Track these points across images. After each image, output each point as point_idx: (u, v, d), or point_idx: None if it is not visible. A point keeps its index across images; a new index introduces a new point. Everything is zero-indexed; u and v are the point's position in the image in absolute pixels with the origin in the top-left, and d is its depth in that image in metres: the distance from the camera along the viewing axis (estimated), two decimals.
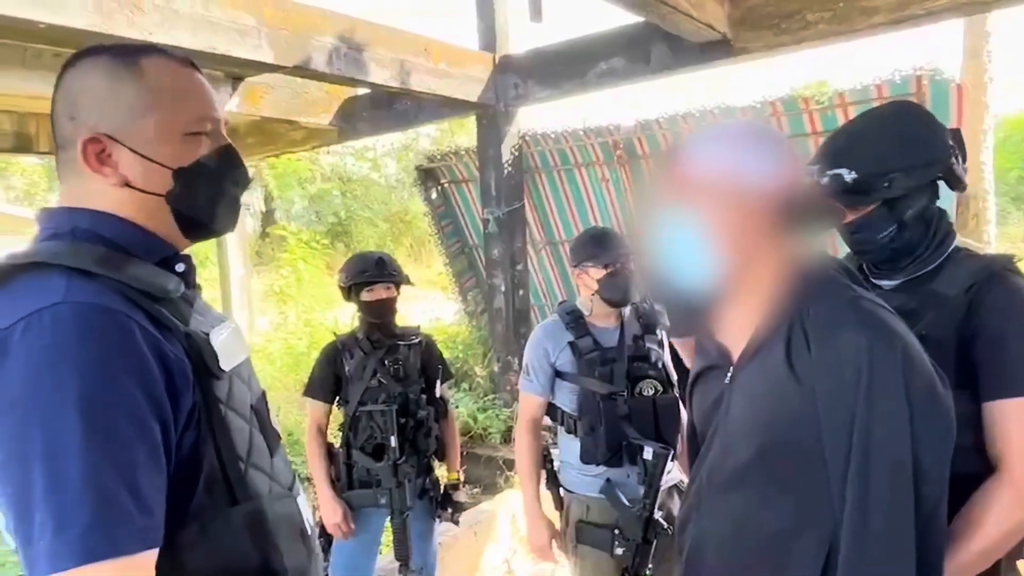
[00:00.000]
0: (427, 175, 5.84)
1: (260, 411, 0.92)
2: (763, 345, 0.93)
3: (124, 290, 0.78)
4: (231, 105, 4.59)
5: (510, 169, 4.63)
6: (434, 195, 5.86)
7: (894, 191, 1.17)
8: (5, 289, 0.76)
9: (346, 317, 5.75)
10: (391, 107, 4.88)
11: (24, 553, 0.70)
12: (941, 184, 1.22)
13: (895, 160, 1.17)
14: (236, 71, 4.37)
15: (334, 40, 3.64)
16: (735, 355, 0.98)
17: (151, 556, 0.72)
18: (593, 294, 1.97)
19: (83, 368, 0.71)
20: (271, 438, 0.93)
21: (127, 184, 0.85)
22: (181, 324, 0.83)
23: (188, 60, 0.91)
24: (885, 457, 0.83)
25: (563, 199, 5.27)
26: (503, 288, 4.70)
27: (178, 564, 0.75)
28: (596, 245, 1.99)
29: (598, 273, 1.95)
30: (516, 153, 4.66)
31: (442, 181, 5.83)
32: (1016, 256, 1.24)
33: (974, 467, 1.09)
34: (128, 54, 0.87)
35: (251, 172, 0.98)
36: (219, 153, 0.90)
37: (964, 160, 1.23)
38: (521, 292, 4.78)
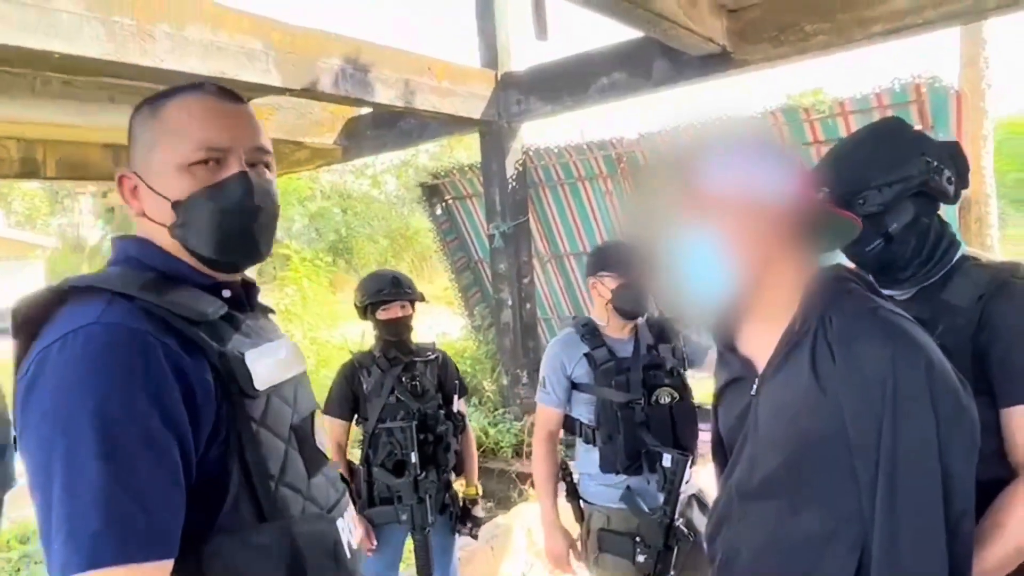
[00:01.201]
0: (431, 191, 5.89)
1: (301, 430, 0.93)
2: (787, 357, 0.95)
3: (162, 313, 0.83)
4: None
5: (514, 184, 4.68)
6: (439, 211, 5.90)
7: (868, 208, 1.21)
8: (63, 310, 0.83)
9: (353, 335, 5.78)
10: (395, 125, 4.93)
11: (45, 555, 0.75)
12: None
13: (867, 179, 1.22)
14: (243, 94, 4.42)
15: (340, 62, 3.70)
16: (759, 367, 1.00)
17: (161, 567, 0.74)
18: (607, 304, 2.00)
19: (103, 384, 0.75)
20: (311, 458, 0.94)
21: (143, 214, 0.92)
22: (216, 345, 0.86)
23: (228, 92, 0.95)
24: (913, 466, 0.85)
25: (567, 213, 5.31)
26: (510, 302, 4.73)
27: None
28: (611, 257, 2.03)
29: (612, 284, 1.98)
30: (520, 168, 4.71)
31: (446, 197, 5.88)
32: (1022, 262, 1.27)
33: (995, 473, 1.11)
34: (164, 95, 0.93)
35: (274, 200, 0.98)
36: (222, 185, 0.90)
37: (963, 173, 1.26)
38: (528, 305, 4.81)
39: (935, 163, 1.22)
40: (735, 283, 0.93)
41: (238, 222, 0.91)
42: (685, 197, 0.95)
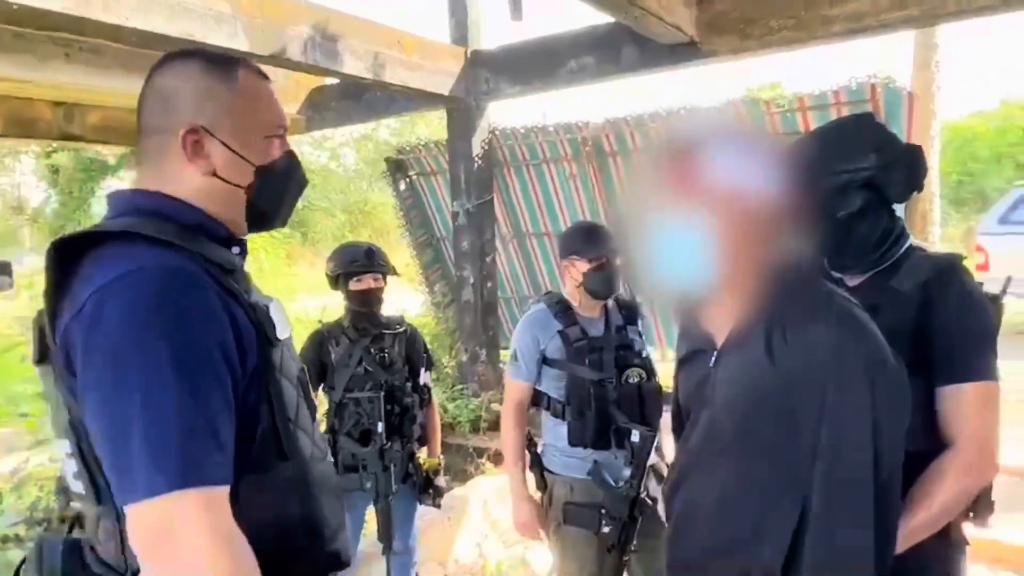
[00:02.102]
0: (396, 166, 5.86)
1: (303, 382, 1.02)
2: (746, 334, 1.04)
3: (198, 260, 0.88)
4: None
5: (480, 162, 4.70)
6: (402, 186, 5.88)
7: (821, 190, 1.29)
8: (100, 253, 0.86)
9: (313, 307, 5.75)
10: (360, 98, 4.88)
11: (119, 482, 0.79)
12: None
13: (824, 164, 1.30)
14: None
15: (309, 30, 3.65)
16: (719, 341, 1.09)
17: (226, 492, 0.81)
18: (579, 286, 2.07)
19: (170, 322, 0.80)
20: (312, 407, 1.03)
21: (213, 174, 0.94)
22: (245, 294, 0.93)
23: (265, 74, 1.03)
24: (849, 434, 0.95)
25: (531, 194, 5.35)
26: (472, 280, 4.77)
27: (236, 511, 0.82)
28: (584, 239, 2.09)
29: (584, 266, 2.04)
30: (486, 147, 4.73)
31: (411, 173, 5.86)
32: (963, 255, 1.38)
33: (923, 445, 1.21)
34: (224, 61, 0.98)
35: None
36: (288, 156, 1.01)
37: (918, 176, 1.34)
38: (489, 284, 4.86)
39: (885, 161, 1.30)
40: (707, 266, 1.00)
41: (296, 191, 1.04)
42: (668, 182, 1.01)
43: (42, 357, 0.89)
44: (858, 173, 1.29)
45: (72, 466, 0.88)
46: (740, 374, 1.05)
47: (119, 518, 0.84)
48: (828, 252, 1.35)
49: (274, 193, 1.00)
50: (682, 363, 1.24)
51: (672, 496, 1.16)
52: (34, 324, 0.89)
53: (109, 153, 18.24)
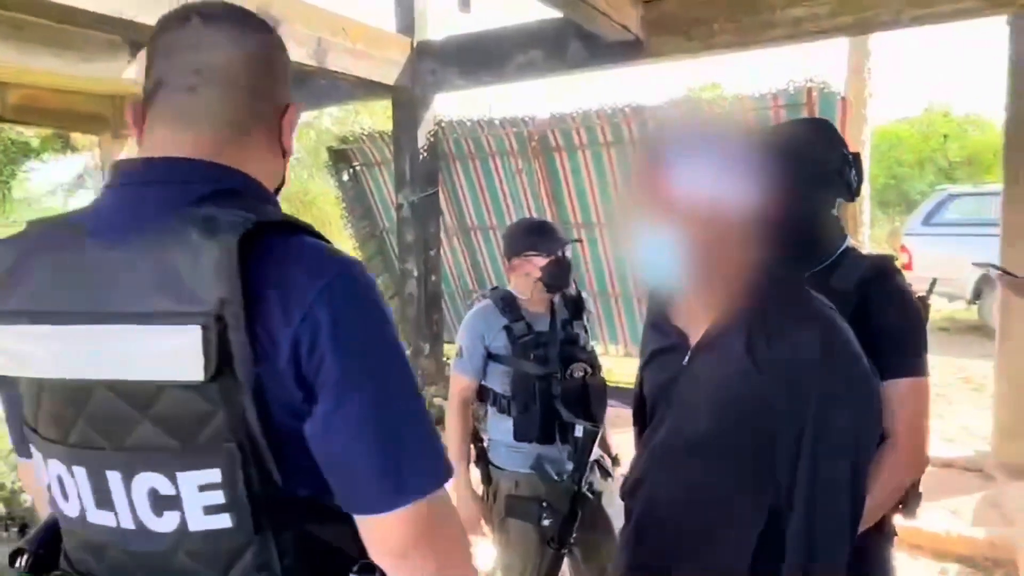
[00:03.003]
0: (338, 156, 5.75)
1: None
2: (723, 334, 1.04)
3: None
4: (129, 73, 4.33)
5: (425, 155, 4.65)
6: (345, 177, 5.78)
7: (811, 182, 1.33)
8: (285, 240, 0.77)
9: None
10: (303, 85, 4.76)
11: (386, 483, 0.76)
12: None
13: (797, 153, 1.33)
14: (139, 37, 4.14)
15: None
16: (693, 338, 1.09)
17: None
18: (537, 280, 2.07)
19: (391, 320, 0.81)
20: None
21: (284, 154, 0.91)
22: None
23: None
24: (833, 437, 0.97)
25: (477, 187, 5.33)
26: (416, 273, 4.72)
27: None
28: (539, 235, 2.11)
29: (541, 261, 2.05)
30: (431, 139, 4.68)
31: (354, 164, 5.76)
32: (895, 256, 1.45)
33: None
34: (265, 23, 0.89)
35: None
36: None
37: (860, 178, 1.41)
38: (433, 278, 4.81)
39: (850, 159, 1.36)
40: (687, 261, 1.00)
41: None
42: (647, 180, 1.01)
43: (219, 371, 0.72)
44: (828, 165, 1.34)
45: (204, 499, 0.75)
46: (717, 374, 1.05)
47: (278, 543, 0.77)
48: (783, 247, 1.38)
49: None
50: (649, 359, 1.22)
51: (633, 493, 1.16)
52: (206, 334, 0.71)
53: (32, 134, 17.31)
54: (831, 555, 0.97)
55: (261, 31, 0.87)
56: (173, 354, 0.71)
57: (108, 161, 5.31)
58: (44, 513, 0.96)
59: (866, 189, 6.81)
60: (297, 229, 0.79)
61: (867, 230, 6.85)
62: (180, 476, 0.75)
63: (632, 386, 1.32)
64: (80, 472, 0.79)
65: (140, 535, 0.78)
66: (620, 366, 5.37)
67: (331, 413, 0.74)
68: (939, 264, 5.79)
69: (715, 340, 1.06)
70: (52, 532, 0.89)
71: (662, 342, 1.18)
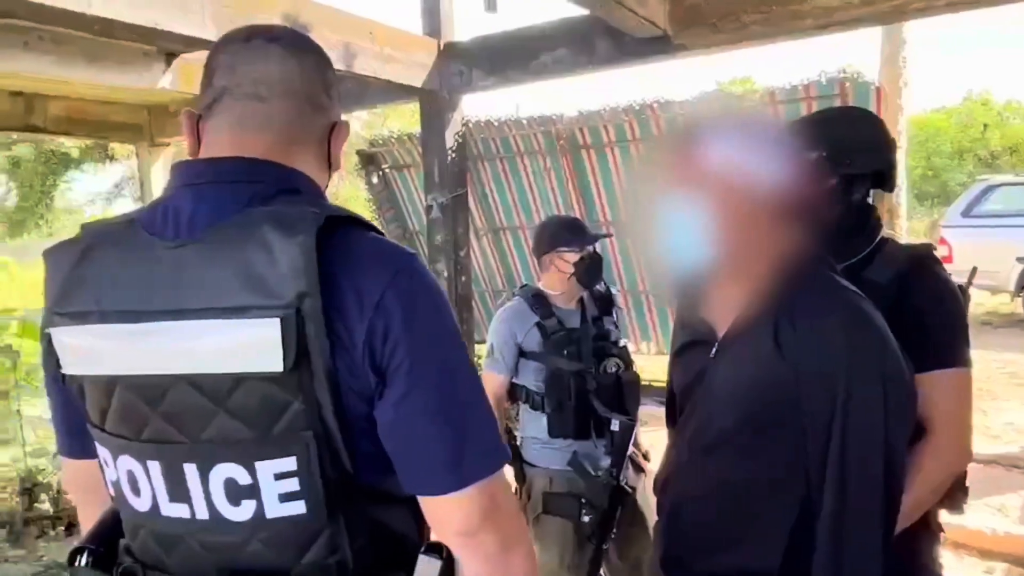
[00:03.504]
0: (368, 160, 5.80)
1: None
2: (750, 325, 1.03)
3: None
4: (164, 82, 4.43)
5: (453, 156, 4.66)
6: (375, 180, 5.83)
7: (853, 168, 1.31)
8: (358, 241, 0.81)
9: None
10: None
11: (453, 464, 0.79)
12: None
13: (859, 142, 1.32)
14: (173, 47, 4.24)
15: (278, 19, 3.57)
16: (720, 332, 1.08)
17: None
18: (570, 276, 2.07)
19: (451, 309, 0.86)
20: None
21: (330, 168, 0.95)
22: None
23: None
24: (863, 428, 0.95)
25: (505, 187, 5.34)
26: (446, 274, 4.74)
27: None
28: (571, 231, 2.12)
29: (573, 257, 2.05)
30: (459, 140, 4.69)
31: (383, 166, 5.81)
32: (934, 246, 1.42)
33: None
34: (318, 45, 0.97)
35: None
36: None
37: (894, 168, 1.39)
38: (463, 278, 4.82)
39: (892, 152, 1.35)
40: (712, 252, 1.00)
41: None
42: (677, 166, 1.00)
43: (297, 362, 0.75)
44: (883, 155, 1.33)
45: (280, 487, 0.78)
46: (745, 366, 1.04)
47: (348, 526, 0.80)
48: (829, 238, 1.36)
49: None
50: (679, 354, 1.23)
51: (665, 489, 1.15)
52: (285, 327, 0.74)
53: (72, 145, 17.81)
54: (863, 549, 0.95)
55: (316, 52, 0.94)
56: (253, 347, 0.74)
57: (145, 170, 5.44)
58: (87, 512, 0.99)
59: (903, 180, 6.66)
60: (360, 223, 0.83)
61: (904, 222, 6.70)
62: (258, 465, 0.78)
63: (664, 384, 1.31)
64: (155, 466, 0.81)
65: (215, 525, 0.80)
66: (652, 364, 5.33)
67: (404, 398, 0.78)
68: (980, 256, 5.64)
69: (742, 332, 1.05)
70: (110, 529, 0.91)
71: (690, 337, 1.18)
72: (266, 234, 0.75)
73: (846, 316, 0.98)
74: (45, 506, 3.95)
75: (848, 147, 1.30)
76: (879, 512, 0.95)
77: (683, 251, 1.02)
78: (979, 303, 8.37)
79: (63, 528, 3.86)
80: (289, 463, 0.77)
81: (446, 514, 0.81)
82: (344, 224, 0.80)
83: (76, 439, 0.93)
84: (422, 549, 0.83)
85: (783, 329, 0.99)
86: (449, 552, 0.83)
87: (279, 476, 0.77)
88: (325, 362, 0.75)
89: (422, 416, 0.78)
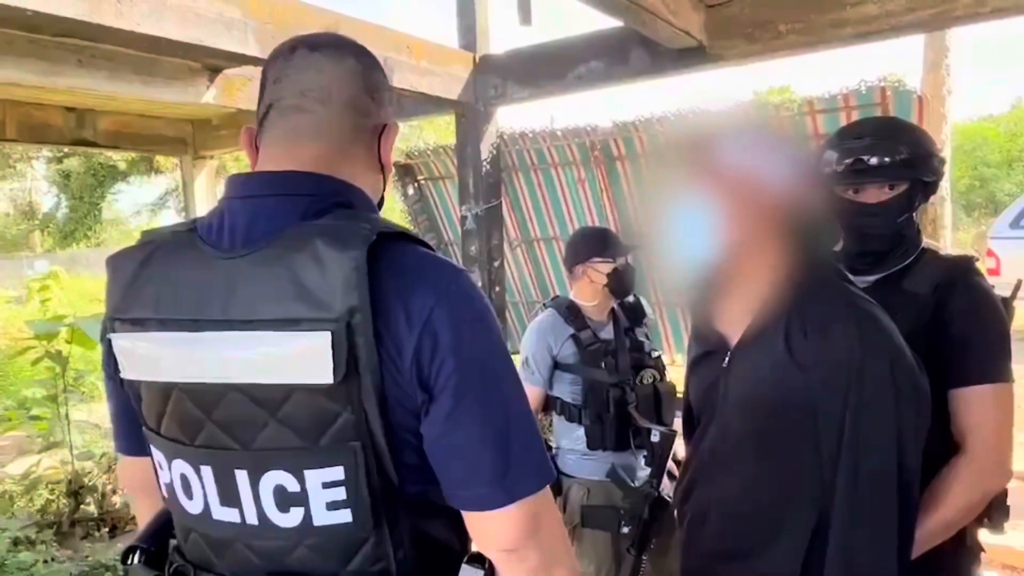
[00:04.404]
0: (404, 171, 5.88)
1: None
2: (762, 334, 1.03)
3: None
4: (208, 97, 4.57)
5: (488, 167, 4.70)
6: (411, 191, 5.90)
7: (926, 173, 1.29)
8: (408, 257, 0.82)
9: None
10: None
11: (499, 481, 0.80)
12: None
13: (929, 147, 1.30)
14: (217, 63, 4.36)
15: None
16: (732, 341, 1.08)
17: None
18: (604, 286, 2.08)
19: (499, 325, 0.86)
20: None
21: (382, 170, 0.97)
22: None
23: None
24: (873, 438, 0.94)
25: (539, 198, 5.36)
26: (480, 285, 4.77)
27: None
28: (603, 242, 2.13)
29: (607, 268, 2.06)
30: (494, 151, 4.73)
31: (419, 178, 5.88)
32: (976, 257, 1.38)
33: (936, 448, 1.19)
34: (364, 48, 0.98)
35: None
36: None
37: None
38: (498, 289, 4.85)
39: (940, 164, 1.33)
40: (722, 261, 1.00)
41: None
42: (691, 177, 1.01)
43: (347, 374, 0.76)
44: (937, 165, 1.31)
45: (328, 496, 0.79)
46: (757, 372, 1.04)
47: (392, 535, 0.81)
48: (887, 247, 1.33)
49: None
50: (693, 366, 1.23)
51: (686, 498, 1.15)
52: (335, 340, 0.75)
53: (120, 158, 18.39)
54: (875, 553, 0.93)
55: (360, 55, 0.94)
56: (304, 358, 0.76)
57: (188, 182, 5.59)
58: (143, 509, 1.02)
59: (948, 191, 6.49)
60: (410, 239, 0.84)
61: (949, 234, 6.53)
62: (307, 474, 0.79)
63: None
64: (207, 471, 0.83)
65: (264, 530, 0.82)
66: None
67: (450, 415, 0.78)
68: None
69: (754, 340, 1.05)
70: (161, 529, 0.94)
71: (703, 349, 1.18)
72: (319, 248, 0.76)
73: (856, 322, 0.98)
74: (91, 508, 4.06)
75: (924, 152, 1.28)
76: (891, 515, 0.93)
77: (693, 261, 1.02)
78: None
79: (107, 530, 3.96)
80: (337, 472, 0.78)
81: (491, 529, 0.81)
82: (394, 239, 0.81)
83: (134, 438, 0.96)
84: (465, 559, 0.84)
85: (795, 337, 0.99)
86: (491, 564, 0.83)
87: (327, 485, 0.79)
88: (373, 376, 0.76)
89: (468, 433, 0.79)
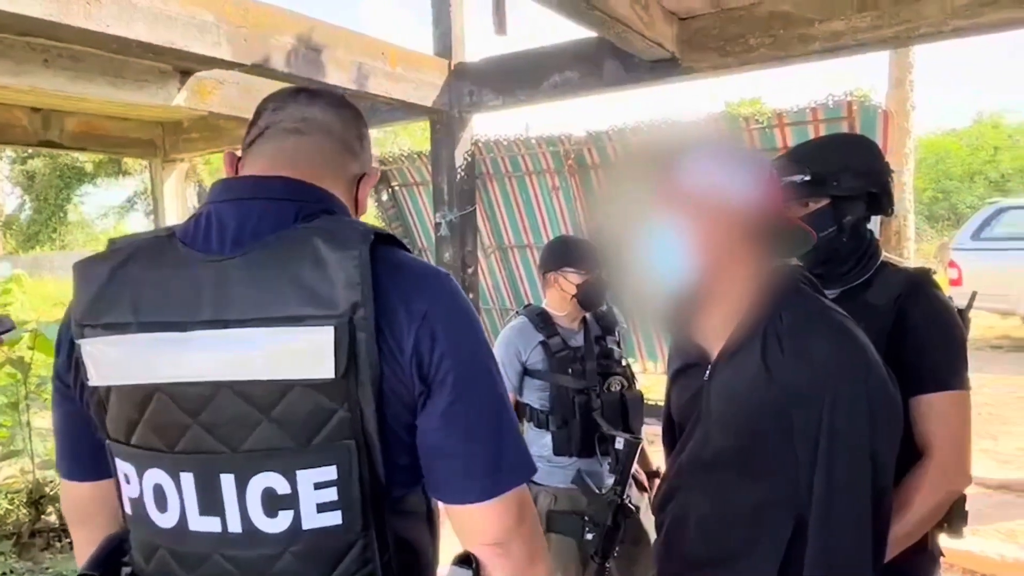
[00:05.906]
0: (379, 177, 5.87)
1: None
2: (740, 347, 1.05)
3: None
4: (179, 100, 4.52)
5: (463, 174, 4.71)
6: (384, 197, 5.89)
7: (840, 190, 1.33)
8: (399, 258, 0.85)
9: None
10: None
11: (489, 473, 0.82)
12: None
13: (846, 163, 1.34)
14: (188, 66, 4.31)
15: (293, 40, 3.64)
16: (713, 354, 1.10)
17: None
18: (572, 297, 2.09)
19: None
20: None
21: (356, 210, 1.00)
22: None
23: None
24: (848, 445, 0.97)
25: (513, 205, 5.38)
26: None
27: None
28: (574, 252, 2.14)
29: (577, 279, 2.07)
30: (469, 159, 4.74)
31: (393, 184, 5.87)
32: (933, 269, 1.43)
33: (899, 453, 1.24)
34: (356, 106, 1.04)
35: None
36: None
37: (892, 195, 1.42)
38: (471, 296, 4.85)
39: (891, 172, 1.37)
40: (696, 276, 1.02)
41: None
42: (655, 192, 1.02)
43: (347, 369, 0.77)
44: (878, 177, 1.35)
45: (319, 496, 0.79)
46: (736, 386, 1.06)
47: (378, 539, 0.81)
48: (822, 263, 1.37)
49: None
50: (675, 377, 1.25)
51: (663, 507, 1.17)
52: (338, 335, 0.76)
53: (87, 160, 18.03)
54: (852, 562, 0.95)
55: (354, 109, 1.01)
56: (304, 354, 0.77)
57: (157, 185, 5.51)
58: (84, 539, 0.97)
59: (911, 203, 6.66)
60: (398, 243, 0.88)
61: (913, 244, 6.69)
62: (299, 474, 0.79)
63: None
64: (188, 479, 0.81)
65: (247, 539, 0.81)
66: (659, 383, 5.32)
67: (450, 407, 0.81)
68: (990, 279, 5.61)
69: (733, 353, 1.07)
70: (111, 555, 0.91)
71: (684, 361, 1.20)
72: (319, 248, 0.78)
73: (830, 333, 1.00)
74: (52, 518, 3.96)
75: (835, 170, 1.32)
76: (866, 523, 0.96)
77: (663, 277, 1.04)
78: (989, 327, 8.31)
79: (68, 541, 3.87)
80: (330, 472, 0.78)
81: (480, 523, 0.83)
82: (385, 242, 0.85)
83: (78, 460, 0.93)
84: (453, 560, 0.84)
85: (771, 350, 1.01)
86: (479, 563, 0.84)
87: (319, 485, 0.79)
88: (373, 370, 0.78)
89: (466, 425, 0.81)
